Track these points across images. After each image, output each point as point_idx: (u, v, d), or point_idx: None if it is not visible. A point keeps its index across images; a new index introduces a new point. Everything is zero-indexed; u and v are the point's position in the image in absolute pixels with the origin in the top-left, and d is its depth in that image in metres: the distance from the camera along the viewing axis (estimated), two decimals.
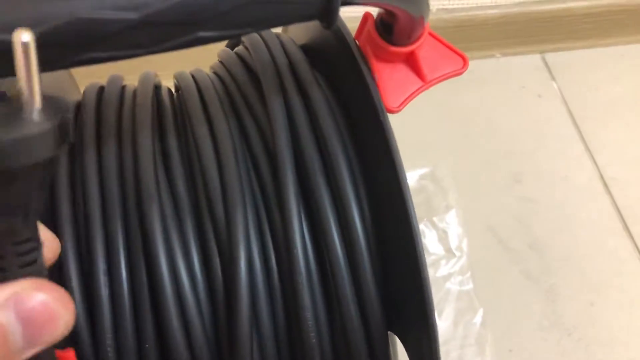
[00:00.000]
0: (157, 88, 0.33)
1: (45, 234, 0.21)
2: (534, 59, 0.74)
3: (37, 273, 0.20)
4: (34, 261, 0.19)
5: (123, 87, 0.32)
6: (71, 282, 0.26)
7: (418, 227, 0.25)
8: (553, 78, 0.73)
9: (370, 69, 0.27)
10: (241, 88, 0.31)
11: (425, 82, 0.27)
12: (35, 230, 0.19)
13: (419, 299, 0.25)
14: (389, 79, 0.27)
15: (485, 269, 0.59)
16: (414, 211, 0.25)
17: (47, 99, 0.18)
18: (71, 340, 0.26)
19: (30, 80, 0.17)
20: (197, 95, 0.30)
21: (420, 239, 0.25)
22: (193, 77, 0.33)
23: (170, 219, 0.27)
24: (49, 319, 0.19)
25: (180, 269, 0.26)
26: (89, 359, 0.26)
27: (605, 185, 0.64)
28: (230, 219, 0.26)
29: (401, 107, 0.27)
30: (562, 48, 0.74)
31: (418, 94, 0.27)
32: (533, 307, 0.57)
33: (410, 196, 0.25)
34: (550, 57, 0.74)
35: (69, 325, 0.20)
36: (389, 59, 0.27)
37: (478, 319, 0.55)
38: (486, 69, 0.74)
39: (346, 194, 0.27)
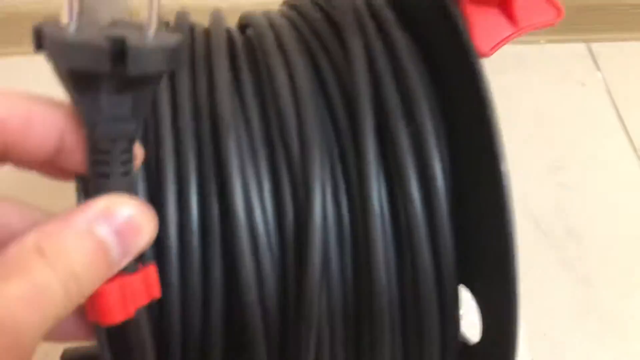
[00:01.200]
0: (228, 29, 0.32)
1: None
2: (579, 48, 0.73)
3: (130, 185, 0.20)
4: (129, 172, 0.20)
5: (192, 27, 0.31)
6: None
7: (508, 174, 0.24)
8: (598, 68, 0.71)
9: (460, 10, 0.26)
10: (316, 30, 0.30)
11: (517, 28, 0.26)
12: (134, 143, 0.21)
13: (501, 253, 0.24)
14: (481, 22, 0.26)
15: (522, 253, 0.58)
16: (505, 157, 0.24)
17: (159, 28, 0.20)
18: None
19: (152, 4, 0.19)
20: (272, 31, 0.30)
21: (510, 187, 0.24)
22: (265, 16, 0.32)
23: (245, 150, 0.26)
24: (137, 231, 0.20)
25: (254, 203, 0.25)
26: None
27: None
28: (307, 157, 0.25)
29: (492, 52, 0.26)
30: (608, 38, 0.73)
31: (510, 39, 0.26)
32: (568, 293, 0.56)
33: (502, 143, 0.25)
34: (596, 46, 0.73)
35: (153, 237, 0.21)
36: (481, 1, 0.26)
37: None
38: (530, 55, 0.72)
39: (427, 137, 0.26)
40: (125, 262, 0.20)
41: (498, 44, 0.26)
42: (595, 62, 0.72)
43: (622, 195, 0.62)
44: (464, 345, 0.28)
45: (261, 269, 0.25)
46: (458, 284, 0.27)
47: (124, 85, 0.19)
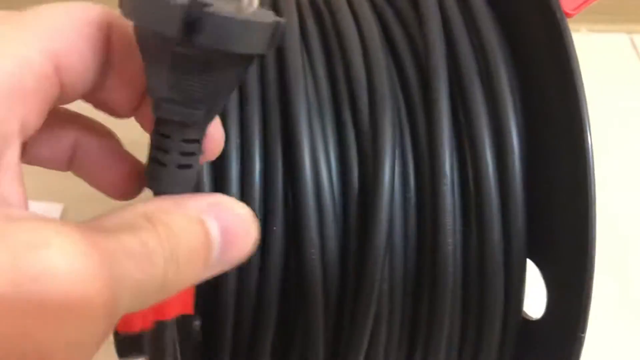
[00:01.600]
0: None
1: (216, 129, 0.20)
2: (621, 39, 0.71)
3: (189, 180, 0.18)
4: (190, 166, 0.18)
5: None
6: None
7: (592, 148, 0.23)
8: None
9: None
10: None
11: None
12: (203, 134, 0.18)
13: (578, 229, 0.23)
14: None
15: None
16: (590, 131, 0.23)
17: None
18: None
19: None
20: (349, 12, 0.28)
21: (593, 161, 0.23)
22: None
23: (312, 104, 0.25)
24: (244, 235, 0.18)
25: (320, 158, 0.24)
26: None
27: None
28: (377, 119, 0.24)
29: (577, 11, 0.24)
30: None
31: (594, 0, 0.25)
32: (604, 286, 0.55)
33: (588, 114, 0.23)
34: (639, 38, 0.71)
35: (250, 251, 0.19)
36: None
37: None
38: None
39: (503, 101, 0.25)
40: (219, 268, 0.18)
41: (583, 3, 0.24)
42: (637, 53, 0.70)
43: None
44: (524, 320, 0.27)
45: (323, 225, 0.24)
46: (525, 255, 0.25)
47: (197, 61, 0.16)
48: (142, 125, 0.20)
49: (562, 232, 0.24)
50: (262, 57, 0.16)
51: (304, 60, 0.25)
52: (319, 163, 0.24)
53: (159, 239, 0.16)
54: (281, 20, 0.16)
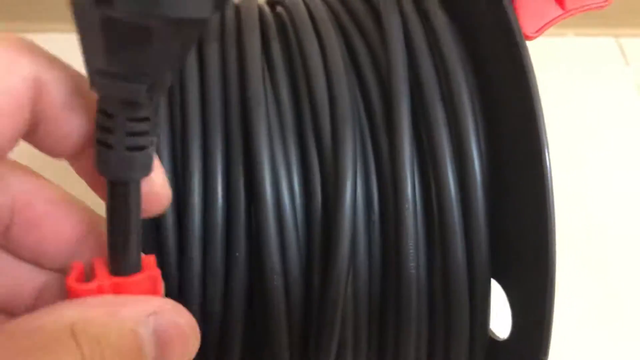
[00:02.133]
0: (259, 4, 0.31)
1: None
2: (608, 43, 0.71)
3: (144, 163, 0.17)
4: (143, 148, 0.17)
5: None
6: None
7: (550, 166, 0.23)
8: (627, 64, 0.70)
9: None
10: (350, 8, 0.29)
11: (565, 10, 0.25)
12: (154, 113, 0.17)
13: (539, 247, 0.23)
14: (527, 3, 0.25)
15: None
16: (548, 151, 0.23)
17: None
18: (156, 244, 0.24)
19: None
20: (304, 7, 0.28)
21: (552, 180, 0.23)
22: None
23: (274, 128, 0.25)
24: (181, 347, 0.18)
25: (282, 184, 0.24)
26: (171, 261, 0.24)
27: None
28: (339, 140, 0.24)
29: (538, 34, 0.24)
30: (638, 34, 0.71)
31: (557, 22, 0.25)
32: (587, 291, 0.55)
33: (546, 133, 0.23)
34: (626, 42, 0.71)
35: (192, 355, 0.18)
36: None
37: None
38: (557, 47, 0.71)
39: (464, 122, 0.25)
40: None
41: (544, 26, 0.24)
42: (625, 58, 0.70)
43: None
44: (492, 340, 0.27)
45: (286, 250, 0.24)
46: (490, 274, 0.26)
47: (130, 28, 0.14)
48: (78, 173, 0.19)
49: (524, 254, 0.25)
50: (205, 22, 0.15)
51: (265, 82, 0.26)
52: (281, 187, 0.24)
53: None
54: None
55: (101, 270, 0.18)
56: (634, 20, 0.71)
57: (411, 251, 0.24)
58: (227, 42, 0.26)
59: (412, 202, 0.24)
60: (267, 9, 0.31)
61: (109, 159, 0.16)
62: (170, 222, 0.24)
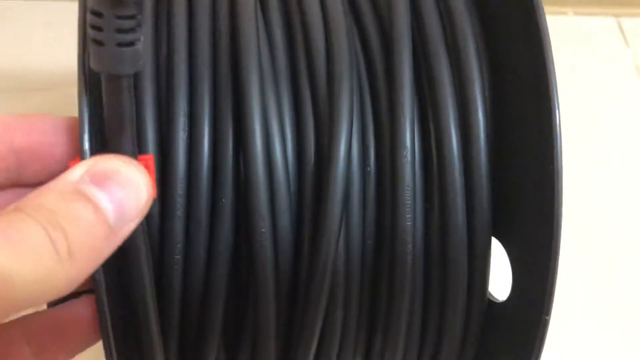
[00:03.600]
0: None
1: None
2: (608, 22, 0.70)
3: (133, 59, 0.18)
4: (132, 43, 0.18)
5: None
6: (146, 122, 0.23)
7: (560, 121, 0.22)
8: (627, 44, 0.68)
9: None
10: None
11: None
12: (139, 10, 0.18)
13: (544, 201, 0.22)
14: None
15: None
16: (559, 103, 0.22)
17: None
18: None
19: None
20: None
21: (561, 135, 0.22)
22: None
23: (267, 71, 0.23)
24: (121, 182, 0.18)
25: (273, 133, 0.23)
26: (154, 208, 0.23)
27: None
28: (334, 92, 0.23)
29: None
30: (638, 14, 0.70)
31: None
32: (587, 278, 0.54)
33: (557, 87, 0.22)
34: (626, 21, 0.70)
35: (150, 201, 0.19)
36: None
37: None
38: (557, 26, 0.69)
39: (470, 73, 0.23)
40: (127, 225, 0.18)
41: None
42: (624, 37, 0.69)
43: None
44: (490, 303, 0.26)
45: (275, 199, 0.23)
46: (490, 231, 0.24)
47: None
48: None
49: (528, 210, 0.23)
50: None
51: (259, 27, 0.24)
52: (272, 133, 0.23)
53: (31, 218, 0.16)
54: None
55: None
56: (634, 0, 0.70)
57: (407, 202, 0.23)
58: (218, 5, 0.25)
59: (410, 151, 0.23)
60: None
61: (101, 55, 0.18)
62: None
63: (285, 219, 0.23)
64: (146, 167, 0.19)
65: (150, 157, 0.21)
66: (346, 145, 0.23)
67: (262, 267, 0.23)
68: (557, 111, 0.22)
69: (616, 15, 0.71)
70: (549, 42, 0.22)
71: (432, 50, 0.24)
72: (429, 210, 0.24)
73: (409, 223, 0.23)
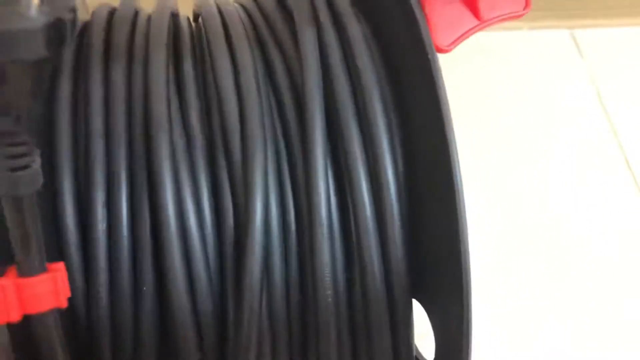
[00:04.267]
0: (175, 16, 0.30)
1: None
2: (562, 35, 0.71)
3: (30, 179, 0.19)
4: (27, 166, 0.19)
5: (137, 12, 0.29)
6: (65, 215, 0.23)
7: (461, 184, 0.23)
8: (581, 56, 0.69)
9: (418, 1, 0.24)
10: (269, 19, 0.28)
11: (481, 21, 0.24)
12: (30, 137, 0.18)
13: (454, 266, 0.23)
14: (441, 15, 0.24)
15: (502, 245, 0.56)
16: (459, 166, 0.22)
17: None
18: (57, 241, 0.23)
19: None
20: (220, 21, 0.27)
21: (463, 197, 0.22)
22: (217, 5, 0.29)
23: (180, 153, 0.24)
24: None
25: (188, 207, 0.23)
26: (79, 299, 0.23)
27: (629, 167, 0.61)
28: (248, 159, 0.23)
29: (452, 47, 0.24)
30: (592, 25, 0.71)
31: (472, 33, 0.24)
32: (551, 287, 0.55)
33: (456, 147, 0.22)
34: (580, 33, 0.71)
35: None
36: None
37: None
38: (512, 42, 0.70)
39: (379, 141, 0.24)
40: None
41: (459, 38, 0.24)
42: (579, 49, 0.70)
43: (603, 183, 0.61)
44: None
45: (193, 275, 0.23)
46: (410, 296, 0.25)
47: None
48: None
49: (442, 274, 0.24)
50: (49, 59, 0.17)
51: (173, 104, 0.24)
52: (187, 212, 0.23)
53: None
54: (61, 16, 0.17)
55: (12, 272, 0.20)
56: (587, 12, 0.71)
57: (326, 278, 0.23)
58: (134, 61, 0.25)
59: (327, 226, 0.23)
60: (185, 21, 0.29)
61: None
62: (75, 256, 0.23)
63: (206, 303, 0.23)
64: (55, 278, 0.20)
65: (61, 265, 0.21)
66: (262, 220, 0.23)
67: (185, 344, 0.23)
68: (458, 175, 0.22)
69: (570, 28, 0.71)
70: (446, 101, 0.22)
71: (343, 123, 0.24)
72: (351, 278, 0.24)
73: (330, 300, 0.23)
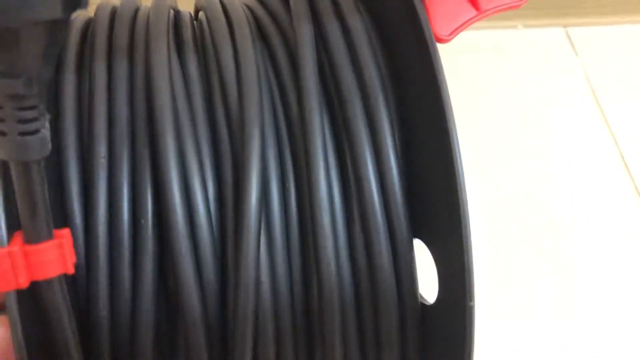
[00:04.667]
0: (177, 11, 0.30)
1: None
2: (557, 33, 0.72)
3: (40, 145, 0.19)
4: (36, 131, 0.18)
5: (138, 7, 0.29)
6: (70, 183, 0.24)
7: (457, 140, 0.23)
8: (576, 53, 0.70)
9: None
10: (271, 11, 0.28)
11: (479, 11, 0.24)
12: (40, 100, 0.18)
13: (451, 206, 0.23)
14: (440, 5, 0.24)
15: (500, 243, 0.57)
16: (459, 147, 0.23)
17: None
18: (61, 217, 0.24)
19: None
20: (223, 16, 0.28)
21: (459, 151, 0.23)
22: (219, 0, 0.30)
23: (187, 144, 0.24)
24: None
25: (195, 198, 0.24)
26: (77, 235, 0.24)
27: (625, 163, 0.62)
28: (245, 144, 0.24)
29: (452, 37, 0.24)
30: (587, 23, 0.72)
31: (471, 23, 0.24)
32: (548, 285, 0.55)
33: (456, 130, 0.23)
34: (574, 31, 0.71)
35: None
36: None
37: None
38: (507, 40, 0.71)
39: (381, 123, 0.25)
40: None
41: (458, 27, 0.24)
42: (573, 47, 0.71)
43: (600, 181, 0.61)
44: (424, 307, 0.27)
45: (199, 251, 0.24)
46: (412, 236, 0.25)
47: None
48: None
49: (440, 210, 0.25)
50: (64, 21, 0.17)
51: (179, 95, 0.25)
52: (195, 203, 0.24)
53: None
54: None
55: (18, 239, 0.21)
56: (581, 10, 0.71)
57: (326, 217, 0.24)
58: (136, 55, 0.25)
59: (324, 165, 0.24)
60: (187, 16, 0.30)
61: (5, 144, 0.18)
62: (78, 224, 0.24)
63: (209, 266, 0.24)
64: (62, 244, 0.20)
65: (67, 231, 0.21)
66: (258, 191, 0.24)
67: (191, 322, 0.23)
68: (455, 143, 0.23)
69: (564, 26, 0.72)
70: (446, 89, 0.23)
71: (348, 108, 0.25)
72: (351, 224, 0.25)
73: (329, 245, 0.24)
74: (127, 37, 0.26)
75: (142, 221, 0.23)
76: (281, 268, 0.25)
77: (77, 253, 0.23)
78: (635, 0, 0.71)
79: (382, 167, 0.25)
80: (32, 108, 0.18)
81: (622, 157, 0.63)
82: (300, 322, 0.26)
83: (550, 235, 0.57)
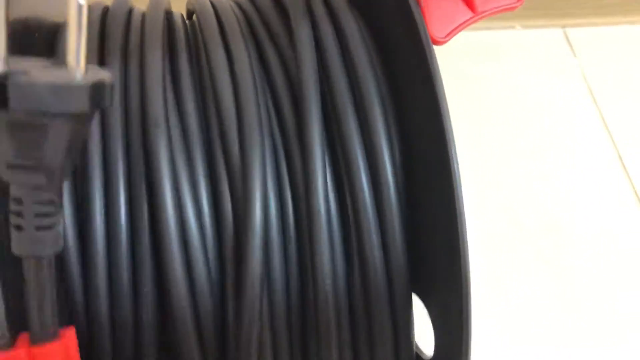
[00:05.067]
0: (169, 13, 0.30)
1: None
2: (555, 33, 0.71)
3: (52, 240, 0.19)
4: (50, 227, 0.19)
5: (130, 9, 0.29)
6: (63, 215, 0.23)
7: (459, 175, 0.23)
8: (574, 54, 0.70)
9: None
10: (263, 15, 0.28)
11: (475, 13, 0.24)
12: (59, 195, 0.19)
13: (452, 259, 0.23)
14: (436, 7, 0.24)
15: (499, 246, 0.56)
16: (456, 156, 0.22)
17: (91, 67, 0.18)
18: (61, 276, 0.23)
19: (78, 40, 0.17)
20: (214, 18, 0.27)
21: (461, 189, 0.22)
22: (210, 1, 0.29)
23: (178, 149, 0.24)
24: None
25: (187, 205, 0.23)
26: (78, 299, 0.23)
27: (622, 163, 0.62)
28: (246, 154, 0.23)
29: (448, 38, 0.24)
30: (585, 24, 0.71)
31: (467, 25, 0.24)
32: (547, 288, 0.55)
33: (453, 138, 0.23)
34: (572, 32, 0.71)
35: None
36: None
37: None
38: (505, 41, 0.70)
39: (377, 133, 0.24)
40: None
41: (454, 29, 0.24)
42: (571, 48, 0.70)
43: (598, 182, 0.61)
44: (419, 358, 0.26)
45: (194, 280, 0.23)
46: (410, 289, 0.25)
47: (18, 129, 0.17)
48: None
49: (440, 269, 0.24)
50: (88, 116, 0.18)
51: (169, 101, 0.24)
52: (185, 208, 0.23)
53: None
54: (105, 80, 0.18)
55: (24, 340, 0.20)
56: (579, 11, 0.71)
57: (326, 266, 0.23)
58: (130, 59, 0.25)
59: (325, 218, 0.23)
60: (180, 18, 0.29)
61: (22, 239, 0.18)
62: (73, 257, 0.23)
63: (206, 299, 0.23)
64: (67, 345, 0.20)
65: (71, 331, 0.21)
66: (261, 213, 0.23)
67: (185, 339, 0.23)
68: (455, 167, 0.22)
69: (562, 26, 0.72)
70: (443, 93, 0.23)
71: (341, 116, 0.24)
72: (350, 269, 0.24)
73: (329, 288, 0.23)
74: (120, 42, 0.26)
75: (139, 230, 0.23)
76: (280, 303, 0.24)
77: (71, 275, 0.23)
78: (633, 1, 0.71)
79: (377, 179, 0.24)
80: (50, 203, 0.18)
81: (620, 157, 0.63)
82: (297, 336, 0.25)
83: (546, 237, 0.57)
